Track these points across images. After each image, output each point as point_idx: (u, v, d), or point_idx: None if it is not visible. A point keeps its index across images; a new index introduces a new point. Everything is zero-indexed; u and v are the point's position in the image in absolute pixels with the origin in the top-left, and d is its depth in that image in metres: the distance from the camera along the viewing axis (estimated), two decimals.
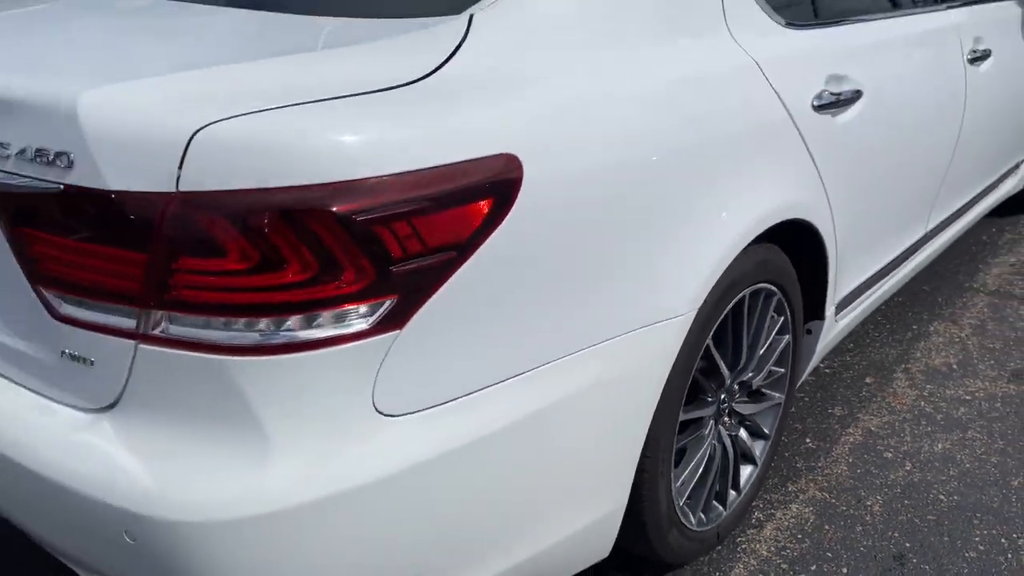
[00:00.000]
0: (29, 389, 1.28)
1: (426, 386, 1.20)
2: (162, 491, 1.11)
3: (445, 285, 1.17)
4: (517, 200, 1.22)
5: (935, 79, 2.34)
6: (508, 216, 1.21)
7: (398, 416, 1.19)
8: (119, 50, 1.34)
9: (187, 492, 1.11)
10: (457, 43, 1.28)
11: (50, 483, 1.18)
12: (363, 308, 1.13)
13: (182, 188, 1.07)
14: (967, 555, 1.97)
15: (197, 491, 1.11)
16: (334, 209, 1.08)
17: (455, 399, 1.23)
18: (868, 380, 2.66)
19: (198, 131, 1.06)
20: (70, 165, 1.10)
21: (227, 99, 1.10)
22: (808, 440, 2.37)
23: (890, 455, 2.31)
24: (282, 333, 1.10)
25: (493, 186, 1.20)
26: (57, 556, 1.37)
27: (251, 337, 1.10)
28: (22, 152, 1.14)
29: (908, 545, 1.99)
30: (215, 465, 1.13)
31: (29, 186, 1.15)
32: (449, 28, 1.30)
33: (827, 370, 2.72)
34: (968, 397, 2.57)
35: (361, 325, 1.13)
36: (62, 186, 1.11)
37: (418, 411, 1.20)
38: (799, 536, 2.02)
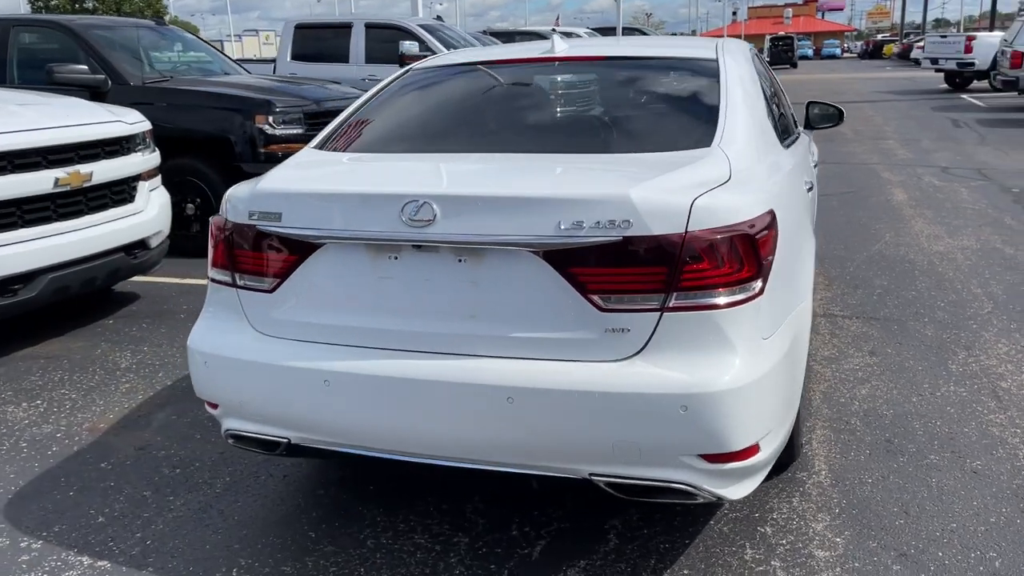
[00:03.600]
0: (564, 360, 2.27)
1: (767, 324, 2.39)
2: (695, 382, 2.19)
3: (771, 271, 2.40)
4: (778, 228, 2.49)
5: None
6: (779, 236, 2.47)
7: (765, 339, 2.37)
8: (585, 173, 2.46)
9: (707, 380, 2.19)
10: (722, 166, 2.53)
11: (619, 395, 2.18)
12: (757, 283, 2.31)
13: (688, 230, 2.21)
14: None
15: (711, 379, 2.20)
16: (746, 232, 2.28)
17: (774, 333, 2.43)
18: None
19: (694, 201, 2.22)
20: (629, 226, 2.19)
21: (685, 189, 2.27)
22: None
23: None
24: (733, 297, 2.26)
25: (773, 223, 2.46)
26: (556, 470, 2.32)
27: (720, 300, 2.24)
28: (596, 224, 2.20)
29: None
30: (707, 366, 2.22)
31: (592, 242, 2.20)
32: (720, 153, 2.57)
33: None
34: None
35: (755, 292, 2.31)
36: (622, 238, 2.19)
37: (767, 337, 2.39)
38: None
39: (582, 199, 2.23)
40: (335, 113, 7.40)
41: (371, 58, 10.41)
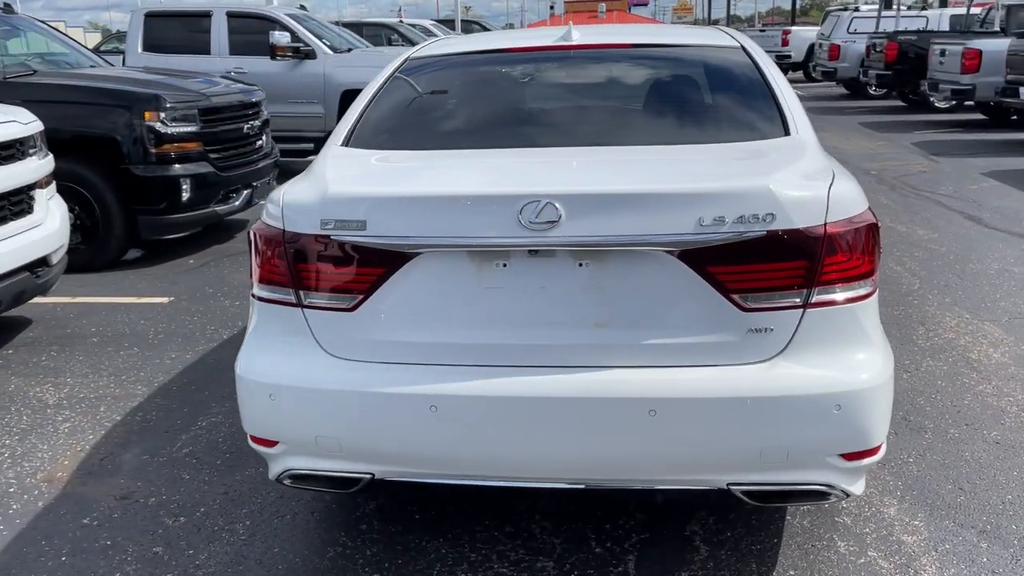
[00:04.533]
0: (707, 366, 2.12)
1: (879, 317, 2.34)
2: (848, 379, 2.11)
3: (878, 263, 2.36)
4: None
5: None
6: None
7: (881, 330, 2.32)
8: (711, 166, 2.31)
9: (858, 377, 2.12)
10: (817, 154, 2.46)
11: (772, 399, 2.06)
12: (876, 275, 2.26)
13: (827, 221, 2.12)
14: None
15: (861, 376, 2.12)
16: (873, 222, 2.21)
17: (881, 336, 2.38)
18: None
19: (829, 191, 2.13)
20: (772, 219, 2.07)
21: (812, 179, 2.18)
22: None
23: None
24: (863, 290, 2.18)
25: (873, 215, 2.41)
26: (692, 483, 2.18)
27: (854, 294, 2.16)
28: (739, 219, 2.06)
29: None
30: (853, 362, 2.14)
31: (735, 238, 2.06)
32: (805, 141, 2.49)
33: None
34: None
35: (875, 284, 2.25)
36: (765, 232, 2.07)
37: (881, 329, 2.34)
38: None
39: (724, 193, 2.09)
40: (229, 109, 6.91)
41: (236, 50, 9.71)
